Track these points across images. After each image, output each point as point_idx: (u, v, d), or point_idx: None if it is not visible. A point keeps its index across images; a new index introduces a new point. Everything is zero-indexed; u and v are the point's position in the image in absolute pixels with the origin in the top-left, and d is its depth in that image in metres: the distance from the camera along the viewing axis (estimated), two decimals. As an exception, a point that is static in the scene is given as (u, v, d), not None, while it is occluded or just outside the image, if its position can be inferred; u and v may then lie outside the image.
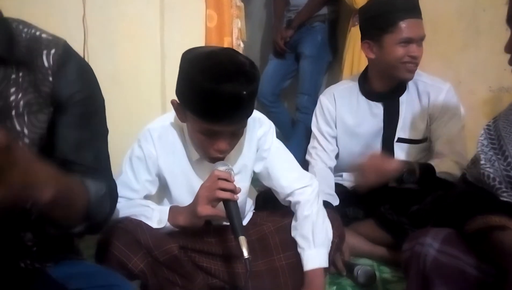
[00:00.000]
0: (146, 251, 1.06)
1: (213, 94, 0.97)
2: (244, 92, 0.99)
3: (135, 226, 1.08)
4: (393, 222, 1.45)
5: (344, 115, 1.59)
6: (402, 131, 1.52)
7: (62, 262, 0.75)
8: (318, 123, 1.63)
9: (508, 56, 0.82)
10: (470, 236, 0.78)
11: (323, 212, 1.23)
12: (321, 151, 1.61)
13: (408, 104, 1.52)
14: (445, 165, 1.36)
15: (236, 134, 1.10)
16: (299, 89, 2.39)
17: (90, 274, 0.75)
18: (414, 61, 1.43)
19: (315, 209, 1.20)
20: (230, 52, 1.07)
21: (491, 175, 0.83)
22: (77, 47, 1.68)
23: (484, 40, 1.92)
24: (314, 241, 1.17)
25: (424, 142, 1.53)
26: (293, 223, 1.23)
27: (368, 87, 1.55)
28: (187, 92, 1.03)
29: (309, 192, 1.21)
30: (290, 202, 1.24)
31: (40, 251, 0.75)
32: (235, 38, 1.82)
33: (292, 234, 1.22)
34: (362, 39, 1.50)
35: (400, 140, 1.53)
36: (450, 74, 1.96)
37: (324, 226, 1.21)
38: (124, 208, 1.13)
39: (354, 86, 1.59)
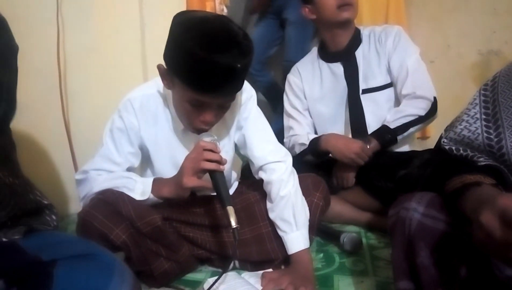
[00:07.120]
0: (129, 223, 1.05)
1: (205, 64, 0.93)
2: (238, 65, 0.95)
3: (116, 198, 1.06)
4: (380, 188, 1.45)
5: (310, 83, 1.66)
6: (364, 82, 1.57)
7: (32, 234, 0.72)
8: (290, 99, 1.69)
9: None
10: (448, 197, 0.77)
11: (299, 190, 1.19)
12: (298, 127, 1.66)
13: (364, 55, 1.58)
14: (404, 111, 1.46)
15: (224, 107, 1.07)
16: (285, 56, 2.32)
17: (64, 243, 0.72)
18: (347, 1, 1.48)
19: (293, 189, 1.16)
20: (223, 20, 1.02)
21: (460, 149, 0.81)
22: (50, 16, 1.61)
23: (474, 2, 1.87)
24: (297, 224, 1.15)
25: (389, 87, 1.56)
26: (269, 204, 1.20)
27: (325, 50, 1.64)
28: (177, 58, 0.98)
29: (282, 170, 1.17)
30: (262, 180, 1.20)
31: (12, 224, 0.72)
32: (217, 2, 1.75)
33: (271, 217, 1.19)
34: (301, 6, 1.59)
35: (365, 91, 1.57)
36: (439, 37, 1.92)
37: (303, 205, 1.18)
38: (106, 181, 1.11)
39: (314, 54, 1.69)
